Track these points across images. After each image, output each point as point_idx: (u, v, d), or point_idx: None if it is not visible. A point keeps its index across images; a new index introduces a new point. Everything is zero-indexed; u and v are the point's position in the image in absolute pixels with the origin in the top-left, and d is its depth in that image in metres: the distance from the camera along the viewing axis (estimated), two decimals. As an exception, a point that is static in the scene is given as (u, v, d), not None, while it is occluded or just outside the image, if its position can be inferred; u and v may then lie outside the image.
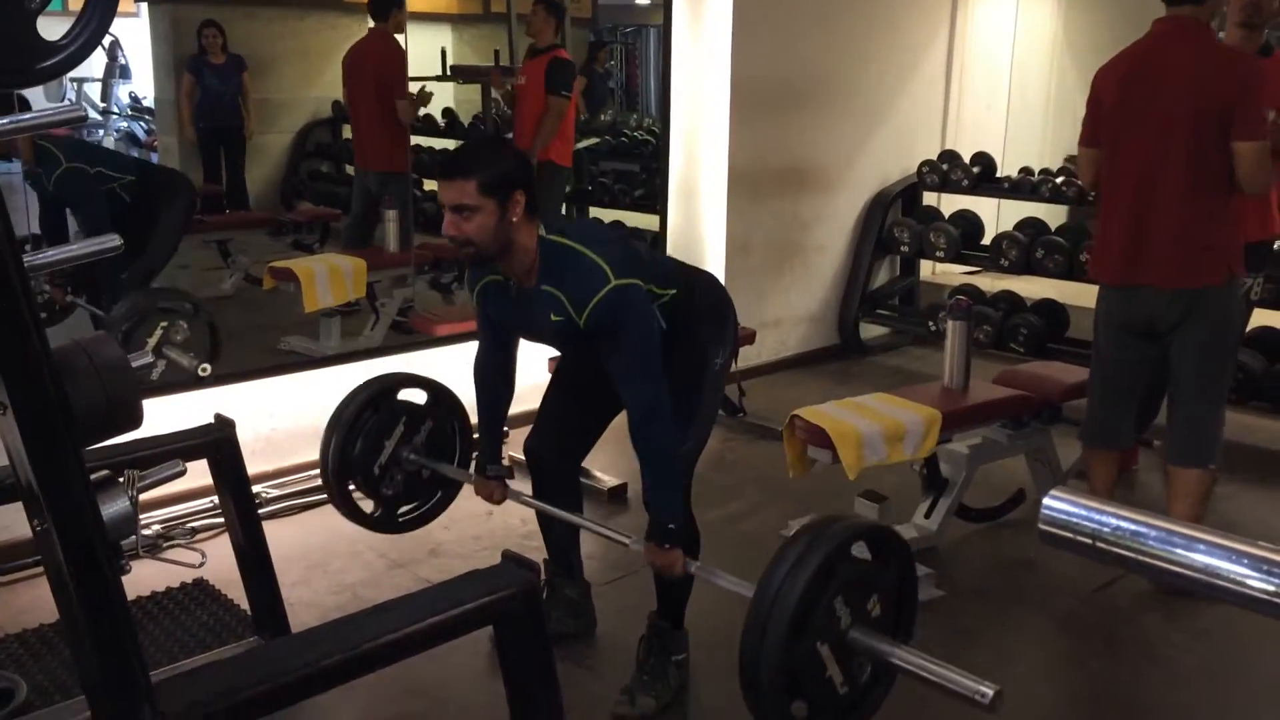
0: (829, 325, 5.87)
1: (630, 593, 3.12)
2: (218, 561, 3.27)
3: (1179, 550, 0.86)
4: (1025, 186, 5.58)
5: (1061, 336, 5.17)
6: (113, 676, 1.42)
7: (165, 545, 3.49)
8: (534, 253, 2.45)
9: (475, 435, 3.04)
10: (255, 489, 3.70)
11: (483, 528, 3.70)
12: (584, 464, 4.02)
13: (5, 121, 1.25)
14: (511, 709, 1.92)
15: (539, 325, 2.53)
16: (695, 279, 2.78)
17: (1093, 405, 3.50)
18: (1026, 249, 5.24)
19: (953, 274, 6.39)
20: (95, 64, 5.89)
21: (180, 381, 3.81)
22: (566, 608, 2.99)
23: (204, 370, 3.77)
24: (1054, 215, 5.91)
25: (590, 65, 8.16)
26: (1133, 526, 0.89)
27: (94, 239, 1.34)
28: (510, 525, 3.72)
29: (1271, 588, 0.82)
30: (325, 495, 3.82)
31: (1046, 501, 0.94)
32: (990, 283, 5.94)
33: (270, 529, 3.56)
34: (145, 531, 3.47)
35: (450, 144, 6.77)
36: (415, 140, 6.88)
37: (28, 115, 1.27)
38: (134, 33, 5.77)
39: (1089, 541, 0.91)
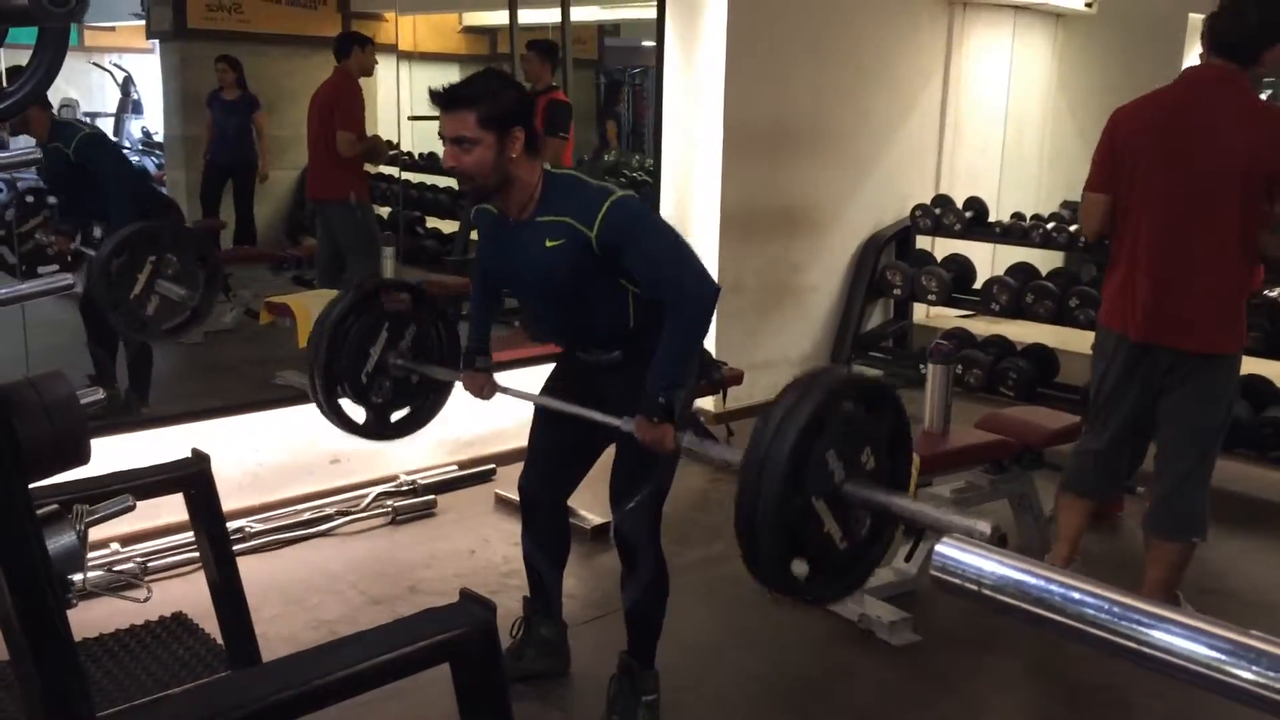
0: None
1: (607, 631, 3.12)
2: (203, 595, 3.29)
3: (1056, 598, 0.88)
4: (1017, 231, 5.62)
5: (1051, 381, 5.18)
6: (56, 712, 1.43)
7: (142, 579, 3.51)
8: (533, 187, 2.48)
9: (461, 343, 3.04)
10: (240, 523, 3.75)
11: (464, 565, 3.71)
12: (568, 502, 4.06)
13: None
14: (467, 745, 1.93)
15: (529, 261, 2.52)
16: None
17: (1083, 454, 3.36)
18: (1017, 294, 5.28)
19: (947, 317, 6.41)
20: (109, 99, 6.00)
21: (174, 324, 3.79)
22: (542, 647, 2.99)
23: (193, 301, 3.69)
24: (1047, 260, 5.94)
25: (613, 107, 8.28)
26: (1012, 575, 0.91)
27: (46, 278, 1.37)
28: (492, 563, 3.74)
29: (1137, 637, 0.83)
30: (307, 530, 3.90)
31: (938, 549, 0.96)
32: (984, 326, 5.96)
33: (253, 563, 3.62)
34: (125, 566, 3.50)
35: (454, 183, 6.85)
36: (420, 178, 6.99)
37: (-14, 156, 1.31)
38: (147, 69, 5.89)
39: (974, 588, 0.93)
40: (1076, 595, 0.87)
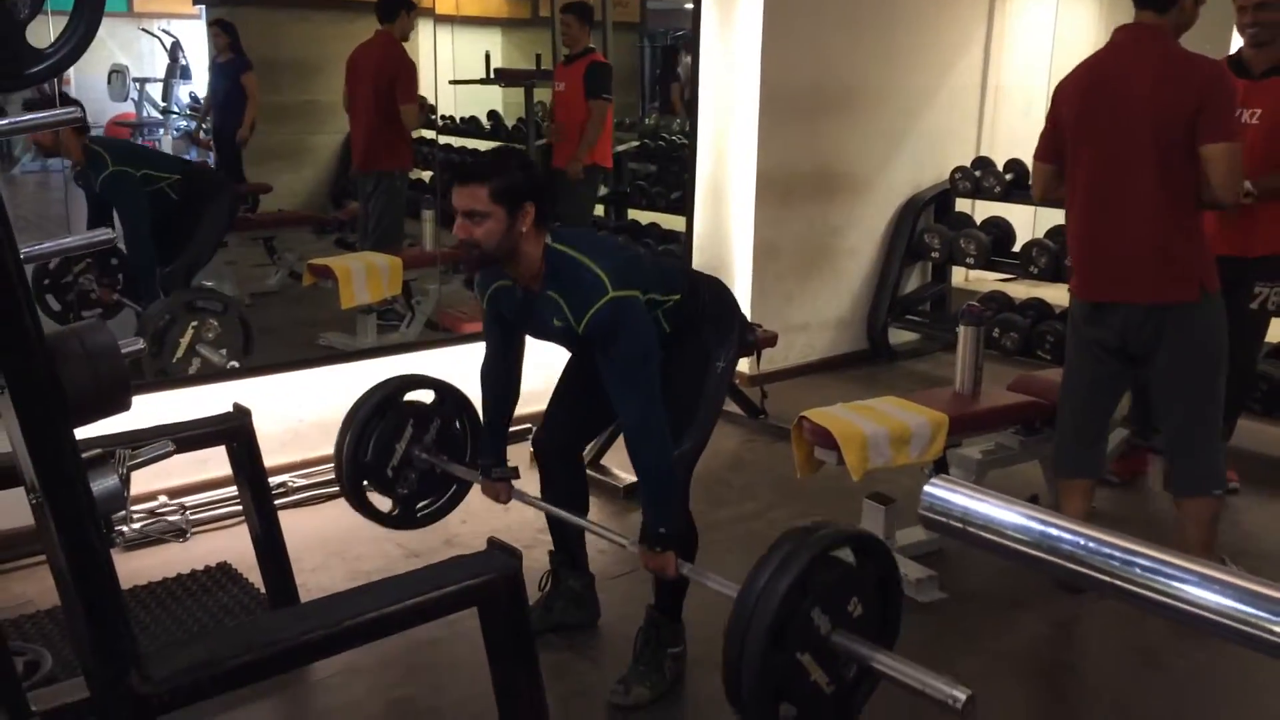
0: (858, 330, 5.90)
1: (636, 586, 3.18)
2: (247, 548, 3.41)
3: (1035, 534, 0.92)
4: (1057, 194, 5.56)
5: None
6: (102, 643, 1.51)
7: (188, 530, 3.63)
8: (539, 260, 2.55)
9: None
10: (282, 478, 3.86)
11: (499, 521, 3.78)
12: (602, 461, 4.13)
13: (4, 123, 1.35)
14: (495, 687, 2.00)
15: (545, 328, 2.64)
16: (701, 283, 2.84)
17: (1063, 433, 3.40)
18: (1057, 256, 5.24)
19: (986, 280, 6.39)
20: (158, 64, 6.09)
21: (215, 373, 3.95)
22: (570, 598, 3.07)
23: (232, 366, 3.90)
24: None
25: (673, 69, 8.26)
26: (995, 513, 0.95)
27: (88, 233, 1.44)
28: (526, 519, 3.81)
29: (1111, 570, 0.87)
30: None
31: (926, 489, 1.01)
32: (1024, 290, 5.94)
33: (294, 517, 3.73)
34: (172, 518, 3.62)
35: (496, 145, 6.91)
36: (461, 143, 7.04)
37: (26, 117, 1.37)
38: (194, 34, 5.97)
39: (960, 525, 0.97)
40: (1054, 531, 0.90)
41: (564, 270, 2.53)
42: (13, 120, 1.31)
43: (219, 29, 5.42)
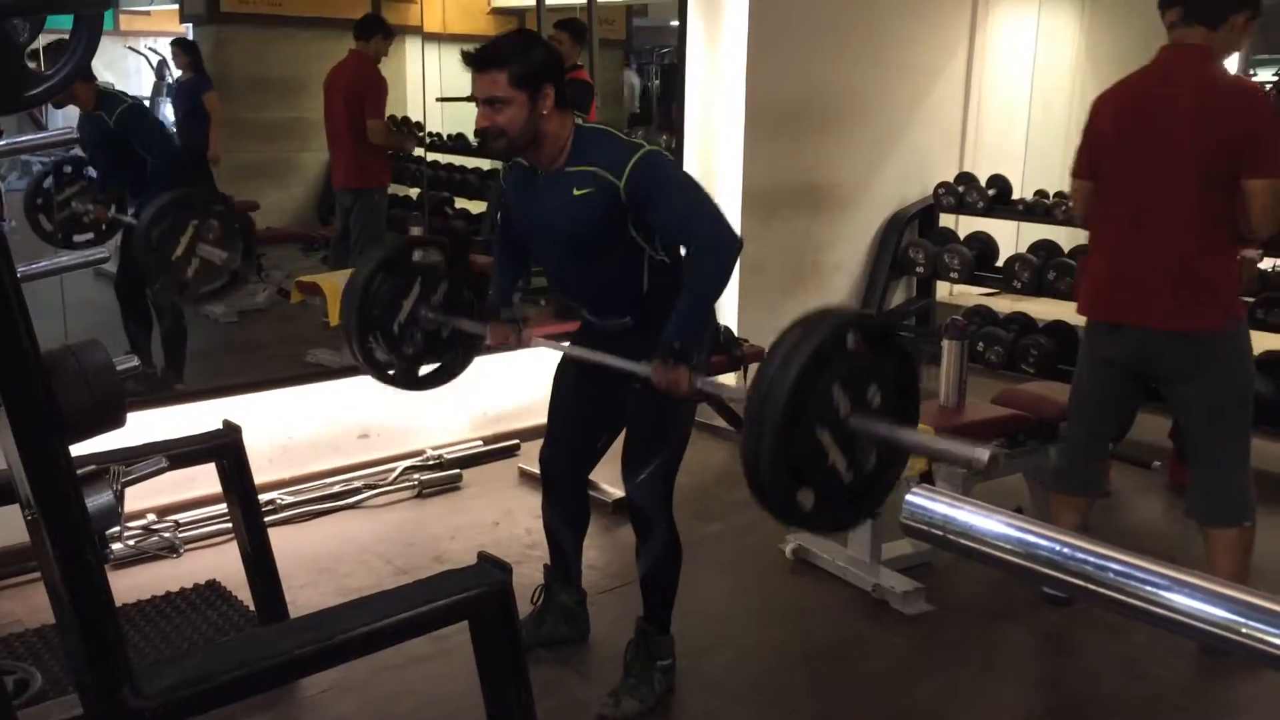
0: (844, 344, 5.92)
1: (626, 601, 3.20)
2: (238, 561, 3.41)
3: (1012, 541, 0.94)
4: (1040, 209, 5.63)
5: (1072, 358, 5.18)
6: (95, 657, 1.53)
7: (177, 548, 3.63)
8: (565, 140, 2.55)
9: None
10: (271, 495, 3.86)
11: (488, 537, 3.80)
12: (590, 477, 4.14)
13: (3, 144, 1.37)
14: (486, 701, 2.02)
15: (553, 211, 2.58)
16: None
17: (1070, 448, 3.40)
18: (1039, 271, 5.29)
19: (970, 295, 6.43)
20: (145, 83, 6.12)
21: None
22: (562, 613, 3.08)
23: (234, 264, 3.80)
24: (1071, 237, 5.94)
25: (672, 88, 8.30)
26: (974, 520, 0.97)
27: (83, 251, 1.46)
28: (515, 535, 3.83)
29: (1089, 575, 0.90)
30: (336, 503, 4.00)
31: (907, 498, 1.03)
32: (1007, 304, 5.98)
33: (283, 534, 3.73)
34: (163, 535, 3.62)
35: (484, 163, 6.95)
36: (448, 159, 7.07)
37: (25, 137, 1.39)
38: (182, 52, 5.98)
39: (940, 533, 1.00)
40: (1031, 538, 0.93)
41: (595, 142, 2.54)
42: (12, 140, 1.33)
43: (179, 48, 5.44)
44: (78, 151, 4.54)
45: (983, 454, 1.83)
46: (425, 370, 3.13)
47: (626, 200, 2.49)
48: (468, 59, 2.53)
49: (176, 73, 5.64)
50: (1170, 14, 3.08)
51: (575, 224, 2.57)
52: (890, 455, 2.07)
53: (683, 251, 2.66)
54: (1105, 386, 3.27)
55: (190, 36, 5.70)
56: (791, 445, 1.93)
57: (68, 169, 4.38)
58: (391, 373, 3.07)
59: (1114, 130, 3.13)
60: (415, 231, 5.42)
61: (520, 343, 2.93)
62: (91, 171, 4.47)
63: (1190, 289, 3.03)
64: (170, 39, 5.74)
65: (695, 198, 2.54)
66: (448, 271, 3.09)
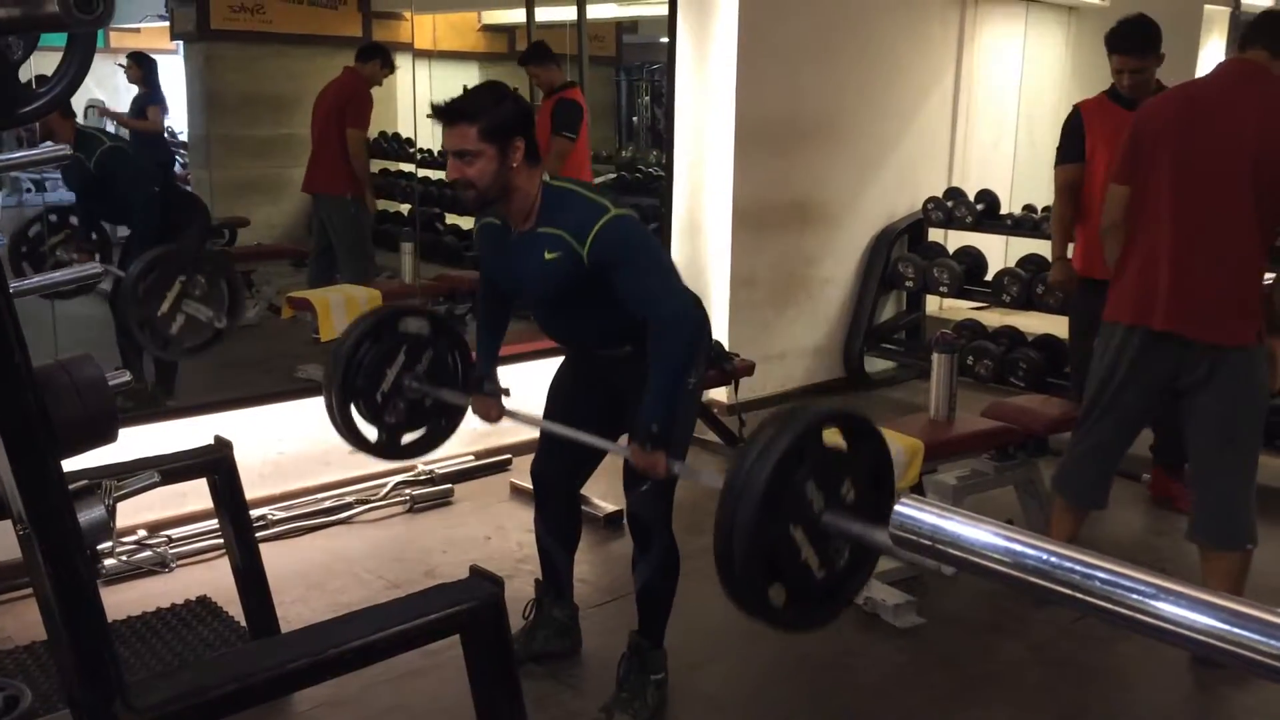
0: (834, 359, 5.95)
1: (618, 615, 3.20)
2: (229, 577, 3.40)
3: (999, 551, 0.95)
4: (1028, 223, 5.66)
5: (1061, 371, 5.22)
6: (87, 673, 1.53)
7: (167, 564, 3.62)
8: (534, 197, 2.56)
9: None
10: (262, 511, 3.86)
11: (480, 551, 3.80)
12: (582, 491, 4.14)
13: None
14: (478, 713, 2.02)
15: (530, 271, 2.59)
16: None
17: (1079, 457, 3.37)
18: (1027, 285, 5.33)
19: (959, 309, 6.46)
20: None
21: (198, 344, 3.86)
22: (554, 628, 3.08)
23: (220, 322, 3.80)
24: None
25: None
26: (962, 531, 0.98)
27: (75, 267, 1.46)
28: (507, 549, 3.83)
29: (1074, 583, 0.91)
30: (329, 518, 4.00)
31: (897, 508, 1.04)
32: (996, 318, 6.02)
33: (275, 550, 3.72)
34: (151, 552, 3.61)
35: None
36: (439, 175, 7.07)
37: (18, 154, 1.40)
38: (171, 69, 6.00)
39: (929, 543, 1.01)
40: (1017, 548, 0.94)
41: (561, 201, 2.54)
42: (5, 157, 1.34)
43: (133, 61, 5.42)
44: (62, 199, 4.53)
45: (948, 569, 1.88)
46: (407, 439, 3.13)
47: (589, 268, 2.51)
48: (438, 113, 2.54)
49: (180, 88, 5.65)
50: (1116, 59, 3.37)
51: (555, 285, 2.60)
52: (861, 552, 2.09)
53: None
54: (1141, 395, 3.22)
55: (180, 54, 5.71)
56: (764, 542, 1.95)
57: (53, 217, 4.37)
58: (373, 440, 3.07)
59: (1160, 139, 3.10)
60: (406, 247, 5.44)
61: (501, 417, 2.94)
62: (75, 220, 4.48)
63: (1235, 302, 3.05)
64: (164, 54, 5.75)
65: (655, 274, 2.53)
66: (434, 339, 3.11)
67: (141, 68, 5.42)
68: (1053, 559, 0.92)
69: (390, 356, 3.01)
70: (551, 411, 2.99)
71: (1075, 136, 4.04)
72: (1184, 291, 3.06)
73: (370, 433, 3.07)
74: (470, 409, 2.98)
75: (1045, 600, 0.90)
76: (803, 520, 1.97)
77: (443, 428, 3.16)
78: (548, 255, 2.53)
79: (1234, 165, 2.99)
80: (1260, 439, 3.18)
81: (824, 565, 2.02)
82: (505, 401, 2.95)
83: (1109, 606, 0.88)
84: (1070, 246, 4.21)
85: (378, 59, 5.34)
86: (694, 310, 2.55)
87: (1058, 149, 4.14)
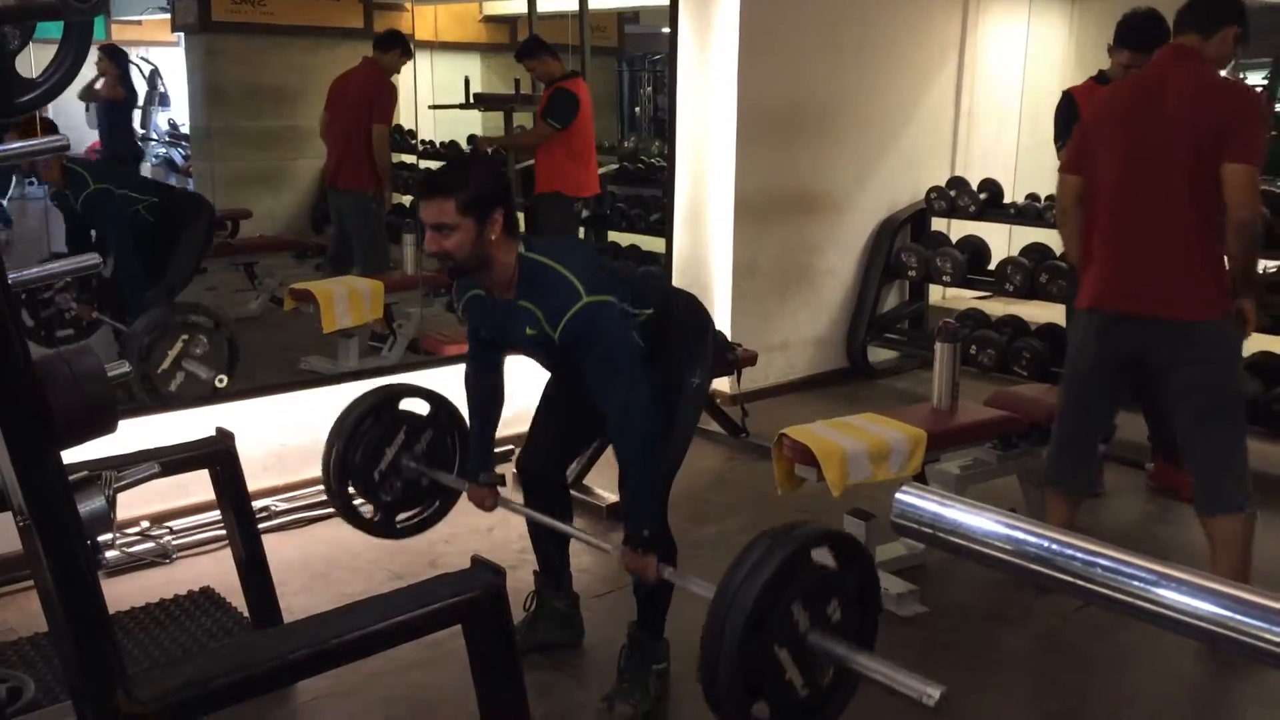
0: (837, 348, 5.94)
1: (620, 605, 3.20)
2: (231, 568, 3.41)
3: (1000, 538, 0.95)
4: (1031, 213, 5.66)
5: (1064, 360, 5.21)
6: (88, 663, 1.53)
7: (170, 555, 3.63)
8: (512, 268, 2.57)
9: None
10: (265, 502, 3.86)
11: (482, 542, 3.80)
12: (585, 481, 4.15)
13: (-4, 151, 1.37)
14: (480, 704, 2.02)
15: (516, 338, 2.64)
16: (674, 299, 2.87)
17: (1055, 442, 3.43)
18: (1031, 274, 5.31)
19: (963, 298, 6.45)
20: (137, 92, 6.11)
21: (197, 396, 3.93)
22: (555, 618, 3.08)
23: (220, 381, 3.88)
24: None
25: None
26: (961, 518, 0.98)
27: (74, 258, 1.46)
28: (509, 540, 3.83)
29: (1075, 570, 0.90)
30: (332, 509, 3.99)
31: (898, 495, 1.04)
32: (999, 307, 6.01)
33: (278, 540, 3.73)
34: (153, 544, 3.62)
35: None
36: (441, 166, 7.07)
37: (16, 144, 1.39)
38: (173, 61, 5.99)
39: (930, 530, 1.01)
40: (1018, 535, 0.94)
41: (537, 277, 2.55)
42: (4, 148, 1.33)
43: (105, 55, 5.34)
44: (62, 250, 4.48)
45: (934, 691, 1.89)
46: (402, 518, 3.21)
47: (560, 350, 2.55)
48: (416, 189, 2.56)
49: (181, 81, 5.63)
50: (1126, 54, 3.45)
51: (542, 355, 2.70)
52: (845, 673, 2.12)
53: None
54: (1103, 378, 3.31)
55: (181, 46, 5.70)
56: (749, 660, 2.01)
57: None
58: (369, 517, 3.15)
59: (1109, 126, 3.22)
60: (409, 239, 5.43)
61: (495, 507, 2.99)
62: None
63: (1193, 280, 3.10)
64: (165, 48, 5.74)
65: (614, 366, 2.53)
66: (434, 421, 3.17)
67: (115, 62, 5.39)
68: (1054, 546, 0.91)
69: (390, 436, 3.10)
70: (544, 406, 3.03)
71: (1069, 121, 4.01)
72: (1135, 273, 3.17)
73: (367, 511, 3.17)
74: (466, 496, 3.04)
75: (1046, 588, 0.90)
76: (788, 641, 2.04)
77: (437, 510, 3.25)
78: (529, 330, 2.57)
79: (1172, 147, 3.08)
80: (1241, 406, 3.23)
81: (807, 684, 2.09)
82: (501, 491, 3.01)
83: (1110, 593, 0.87)
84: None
85: (398, 48, 5.31)
86: (647, 405, 2.53)
87: (1056, 132, 4.19)
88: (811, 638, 2.07)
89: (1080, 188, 3.30)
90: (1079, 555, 0.90)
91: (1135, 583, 0.85)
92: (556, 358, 2.66)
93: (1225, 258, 3.17)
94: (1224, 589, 0.84)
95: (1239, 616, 0.82)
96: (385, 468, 3.11)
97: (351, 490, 3.12)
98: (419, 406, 3.18)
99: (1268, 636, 0.80)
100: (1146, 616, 0.86)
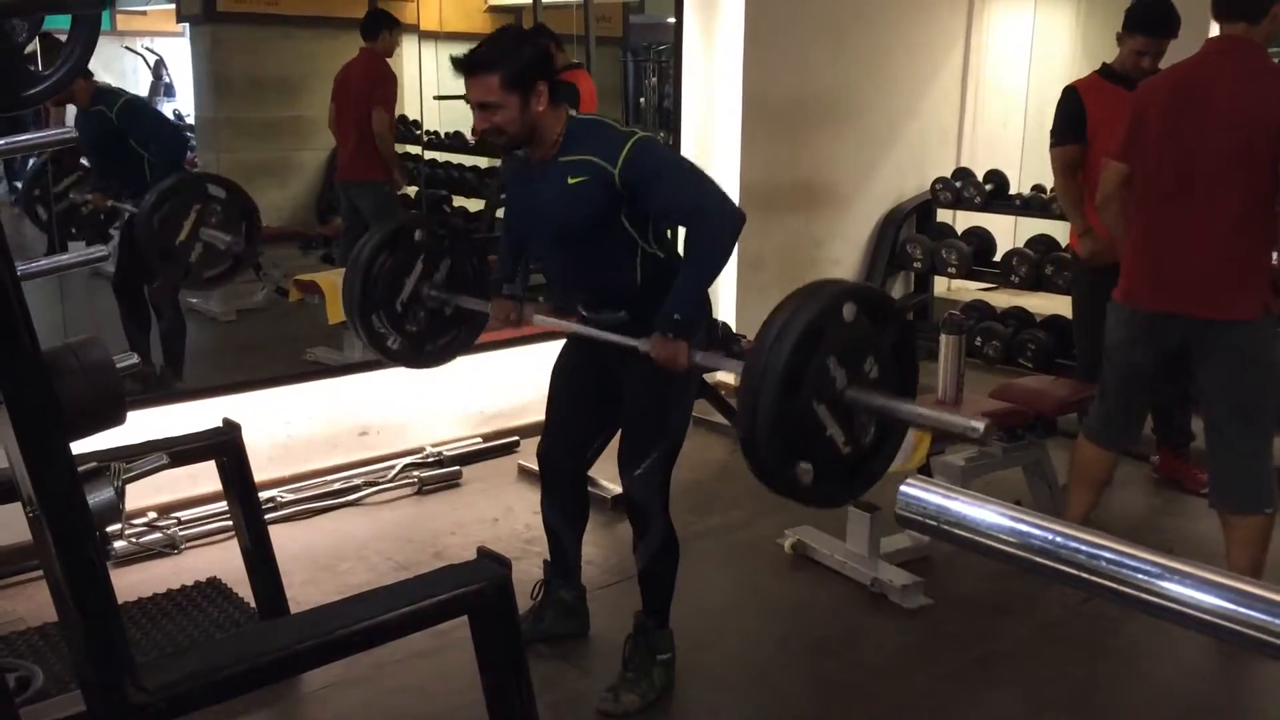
0: (842, 340, 5.93)
1: (625, 596, 3.20)
2: (237, 559, 3.42)
3: (1005, 531, 0.95)
4: (1037, 204, 5.65)
5: (1069, 352, 5.20)
6: (98, 652, 1.54)
7: (177, 546, 3.64)
8: (559, 132, 2.57)
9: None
10: (270, 493, 3.87)
11: (488, 533, 3.81)
12: (589, 473, 4.15)
13: (3, 143, 1.37)
14: (486, 695, 2.03)
15: (550, 201, 2.60)
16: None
17: (1108, 408, 3.40)
18: (1036, 265, 5.31)
19: (968, 290, 6.45)
20: (142, 82, 6.12)
21: (216, 273, 3.88)
22: (561, 609, 3.09)
23: (238, 247, 3.78)
24: (1069, 232, 5.95)
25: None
26: (966, 510, 0.98)
27: (84, 250, 1.47)
28: (515, 530, 3.84)
29: (1080, 563, 0.91)
30: (337, 501, 4.01)
31: (901, 489, 1.04)
32: (1004, 299, 6.00)
33: (283, 532, 3.74)
34: (160, 534, 3.63)
35: (481, 161, 6.96)
36: (445, 158, 7.08)
37: (23, 136, 1.40)
38: (178, 52, 6.00)
39: (935, 523, 1.01)
40: (1023, 528, 0.94)
41: (589, 132, 2.57)
42: (11, 140, 1.34)
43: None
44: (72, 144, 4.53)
45: (978, 424, 1.88)
46: (430, 346, 3.16)
47: (621, 187, 2.50)
48: (458, 64, 2.54)
49: (186, 71, 5.63)
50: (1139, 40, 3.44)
51: (568, 212, 2.58)
52: (888, 428, 2.07)
53: (681, 238, 2.69)
54: (1145, 373, 3.30)
55: (187, 36, 5.70)
56: (788, 419, 1.94)
57: (63, 160, 4.39)
58: (396, 349, 3.09)
59: (1153, 121, 3.16)
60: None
61: (522, 319, 2.92)
62: (85, 161, 4.47)
63: (1236, 279, 3.07)
64: (170, 38, 5.76)
65: (693, 175, 2.56)
66: (450, 248, 3.11)
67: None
68: (1058, 539, 0.91)
69: (408, 266, 3.03)
70: (555, 392, 3.01)
71: (1075, 118, 3.97)
72: (1175, 271, 3.13)
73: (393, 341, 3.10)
74: (492, 313, 2.98)
75: (1053, 581, 0.91)
76: (826, 397, 1.97)
77: (464, 335, 3.20)
78: (570, 180, 2.54)
79: (1221, 144, 3.02)
80: (1273, 405, 3.19)
81: (850, 441, 2.02)
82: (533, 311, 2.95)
83: (1115, 586, 0.88)
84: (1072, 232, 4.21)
85: (384, 28, 5.30)
86: (736, 212, 2.54)
87: (1053, 130, 4.06)
88: (850, 393, 2.00)
89: (1125, 175, 3.24)
90: (1084, 548, 0.90)
91: (1140, 576, 0.85)
92: (579, 222, 2.58)
93: (1273, 254, 3.14)
94: (1230, 582, 0.84)
95: (1245, 610, 0.82)
96: (406, 298, 3.06)
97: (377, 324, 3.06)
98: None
99: (1271, 629, 0.81)
100: (1152, 610, 0.86)
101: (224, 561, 3.45)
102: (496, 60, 2.48)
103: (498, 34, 2.62)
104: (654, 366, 2.58)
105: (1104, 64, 4.05)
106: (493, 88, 2.47)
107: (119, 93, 4.60)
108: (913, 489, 1.03)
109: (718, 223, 2.50)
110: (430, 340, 3.15)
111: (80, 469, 1.50)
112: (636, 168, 2.49)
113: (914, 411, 2.02)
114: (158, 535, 3.62)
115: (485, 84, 2.48)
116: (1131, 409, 3.44)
